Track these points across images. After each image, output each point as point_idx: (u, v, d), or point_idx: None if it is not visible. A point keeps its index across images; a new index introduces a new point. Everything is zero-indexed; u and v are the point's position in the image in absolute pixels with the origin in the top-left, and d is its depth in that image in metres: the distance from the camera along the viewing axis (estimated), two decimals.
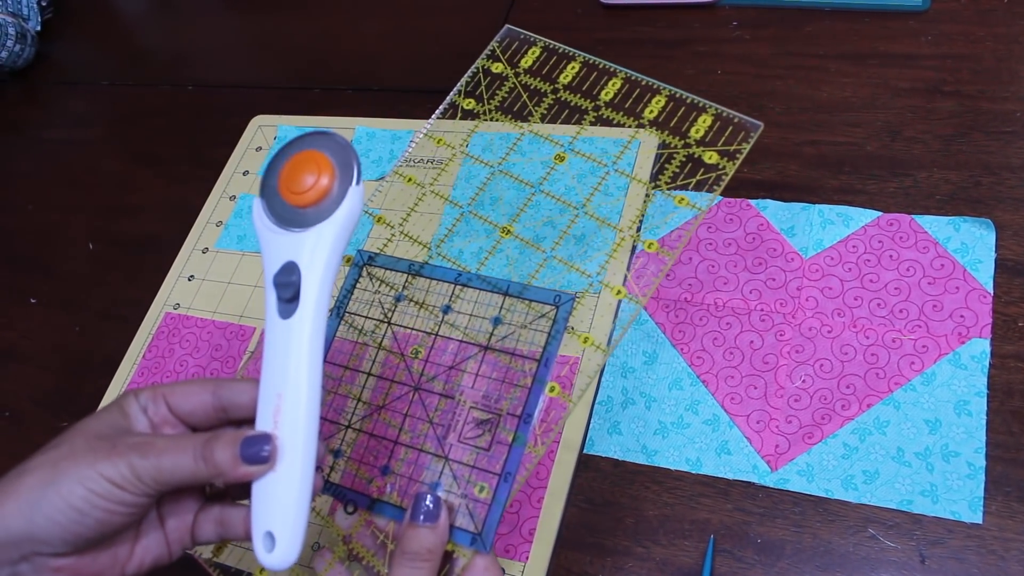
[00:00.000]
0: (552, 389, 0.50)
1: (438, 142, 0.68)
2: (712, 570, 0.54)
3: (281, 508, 0.41)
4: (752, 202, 0.67)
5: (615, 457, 0.59)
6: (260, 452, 0.41)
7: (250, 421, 0.44)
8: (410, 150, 0.73)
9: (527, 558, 0.56)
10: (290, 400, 0.42)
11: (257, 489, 0.42)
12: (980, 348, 0.57)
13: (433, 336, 0.54)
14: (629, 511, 0.57)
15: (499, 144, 0.71)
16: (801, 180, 0.67)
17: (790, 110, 0.70)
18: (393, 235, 0.62)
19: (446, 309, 0.55)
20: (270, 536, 0.41)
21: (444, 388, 0.51)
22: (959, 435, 0.55)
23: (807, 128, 0.69)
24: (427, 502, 0.46)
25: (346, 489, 0.51)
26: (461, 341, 0.53)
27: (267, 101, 0.89)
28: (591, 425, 0.61)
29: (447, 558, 0.47)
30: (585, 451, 0.60)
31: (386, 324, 0.56)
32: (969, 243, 0.61)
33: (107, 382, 0.74)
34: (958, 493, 0.53)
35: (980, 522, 0.52)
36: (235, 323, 0.74)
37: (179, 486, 0.42)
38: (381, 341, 0.55)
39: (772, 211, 0.66)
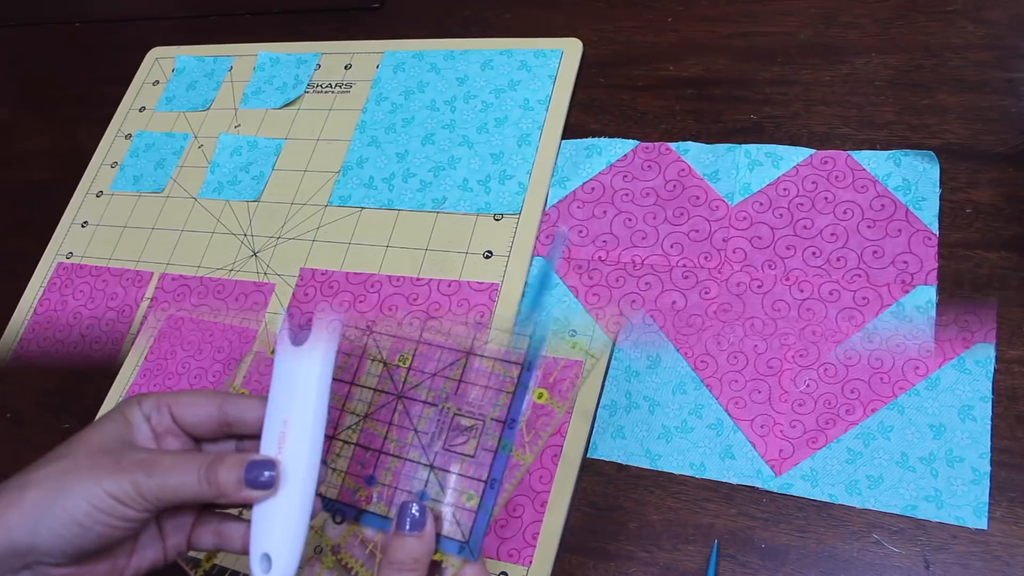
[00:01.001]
0: (540, 395, 0.49)
1: (346, 66, 0.69)
2: (716, 575, 0.53)
3: (280, 532, 0.42)
4: (672, 145, 0.64)
5: (619, 461, 0.58)
6: (263, 477, 0.42)
7: (253, 437, 0.45)
8: (316, 74, 0.72)
9: (530, 562, 0.56)
10: (295, 427, 0.43)
11: (257, 511, 0.43)
12: (985, 353, 0.56)
13: (416, 343, 0.53)
14: (633, 515, 0.57)
15: (411, 64, 0.71)
16: (730, 74, 0.66)
17: (717, 2, 0.69)
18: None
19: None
20: (267, 558, 0.42)
21: (428, 395, 0.51)
22: (964, 440, 0.54)
23: (736, 20, 0.68)
24: (413, 510, 0.46)
25: (333, 500, 0.51)
26: (444, 347, 0.52)
27: (162, 33, 0.87)
28: (594, 429, 0.60)
29: (435, 568, 0.46)
30: (588, 455, 0.59)
31: (369, 332, 0.55)
32: (911, 179, 0.58)
33: None
34: (963, 499, 0.52)
35: (985, 528, 0.51)
36: (132, 269, 0.73)
37: (182, 504, 0.43)
38: (364, 350, 0.55)
39: (694, 154, 0.63)
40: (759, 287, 0.58)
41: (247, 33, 0.84)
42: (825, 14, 0.67)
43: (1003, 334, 0.56)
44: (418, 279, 0.65)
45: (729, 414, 0.58)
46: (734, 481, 0.56)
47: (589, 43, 0.72)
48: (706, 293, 0.58)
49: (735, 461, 0.57)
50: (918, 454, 0.54)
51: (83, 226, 0.78)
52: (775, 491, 0.55)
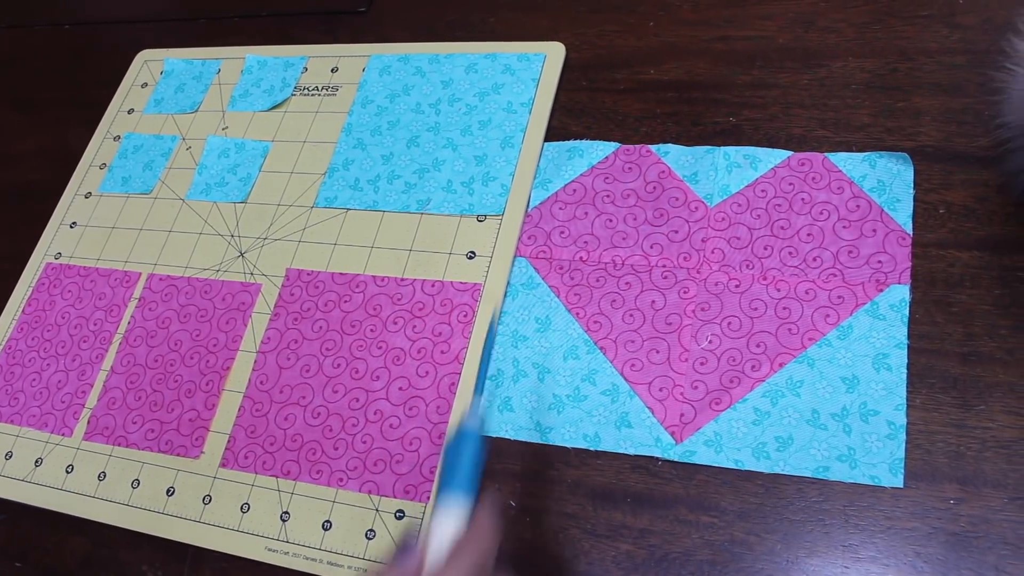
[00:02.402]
0: None
1: (332, 69, 0.71)
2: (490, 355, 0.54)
3: None
4: (652, 147, 0.65)
5: (507, 437, 0.58)
6: None
7: None
8: (303, 77, 0.75)
9: (428, 498, 0.57)
10: None
11: None
12: (899, 295, 0.55)
13: None
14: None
15: (397, 67, 0.73)
16: (710, 78, 0.67)
17: (698, 6, 0.71)
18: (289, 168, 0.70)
19: None
20: None
21: None
22: (878, 392, 0.53)
23: (717, 24, 0.70)
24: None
25: None
26: None
27: (151, 35, 0.88)
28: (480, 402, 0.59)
29: None
30: None
31: None
32: (886, 180, 0.59)
33: None
34: (877, 456, 0.51)
35: (901, 486, 0.51)
36: (120, 269, 0.74)
37: None
38: None
39: (674, 156, 0.64)
40: (737, 287, 0.58)
41: (235, 36, 0.85)
42: (803, 18, 0.69)
43: (919, 217, 0.58)
44: (402, 279, 0.66)
45: (625, 378, 0.57)
46: (631, 452, 0.55)
47: (572, 47, 0.73)
48: (685, 293, 0.59)
49: (632, 430, 0.55)
50: (830, 410, 0.53)
51: (72, 227, 0.79)
52: (676, 460, 0.54)
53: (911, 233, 0.57)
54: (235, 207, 0.74)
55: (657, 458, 0.55)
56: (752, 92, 0.67)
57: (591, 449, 0.57)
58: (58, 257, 0.77)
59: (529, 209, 0.66)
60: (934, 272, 0.56)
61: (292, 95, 0.77)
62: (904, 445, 0.52)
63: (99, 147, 0.83)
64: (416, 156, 0.71)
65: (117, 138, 0.82)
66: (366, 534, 0.58)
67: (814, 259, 0.58)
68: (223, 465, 0.63)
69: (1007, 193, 0.58)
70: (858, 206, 0.59)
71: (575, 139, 0.68)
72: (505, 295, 0.63)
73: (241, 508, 0.61)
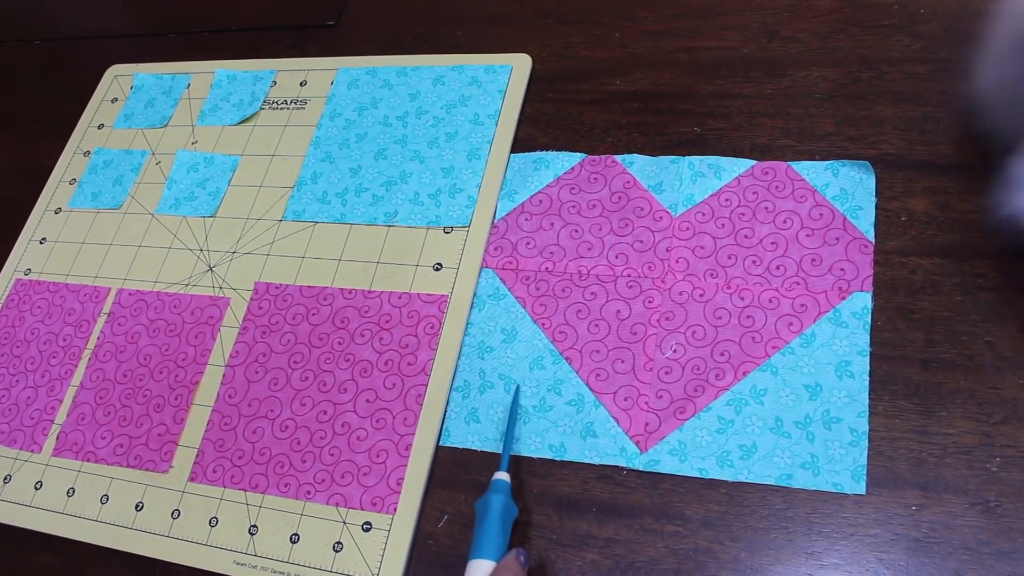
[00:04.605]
0: None
1: (301, 83, 0.73)
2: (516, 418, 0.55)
3: None
4: (617, 158, 0.65)
5: (473, 448, 0.58)
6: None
7: None
8: (272, 91, 0.77)
9: (395, 510, 0.57)
10: None
11: None
12: (862, 303, 0.55)
13: None
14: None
15: (365, 80, 0.74)
16: (675, 88, 0.68)
17: (663, 17, 0.71)
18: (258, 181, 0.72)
19: None
20: None
21: None
22: (841, 399, 0.53)
23: (682, 35, 0.70)
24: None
25: None
26: None
27: (121, 50, 0.88)
28: (447, 414, 0.59)
29: None
30: (441, 443, 0.59)
31: None
32: (849, 189, 0.59)
33: None
34: (840, 463, 0.52)
35: (863, 493, 0.51)
36: (89, 285, 0.74)
37: None
38: None
39: (639, 166, 0.64)
40: (701, 296, 0.58)
41: (205, 50, 0.85)
42: (767, 29, 0.69)
43: (882, 225, 0.58)
44: (370, 292, 0.66)
45: (590, 388, 0.57)
46: (596, 462, 0.55)
47: (538, 59, 0.74)
48: (649, 302, 0.59)
49: (597, 439, 0.56)
50: (793, 418, 0.53)
51: (41, 243, 0.78)
52: (640, 469, 0.55)
53: (873, 241, 0.58)
54: (204, 221, 0.74)
55: (622, 468, 0.55)
56: (717, 102, 0.67)
57: (556, 459, 0.57)
58: (28, 273, 0.77)
59: (495, 220, 0.66)
60: (896, 279, 0.57)
61: (261, 109, 0.78)
62: (866, 452, 0.52)
63: (69, 162, 0.83)
64: (384, 169, 0.71)
65: (87, 153, 0.82)
66: (333, 546, 0.58)
67: (777, 267, 0.58)
68: (192, 479, 0.63)
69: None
70: (821, 215, 0.59)
71: (541, 150, 0.68)
72: (472, 306, 0.63)
73: (210, 522, 0.61)
